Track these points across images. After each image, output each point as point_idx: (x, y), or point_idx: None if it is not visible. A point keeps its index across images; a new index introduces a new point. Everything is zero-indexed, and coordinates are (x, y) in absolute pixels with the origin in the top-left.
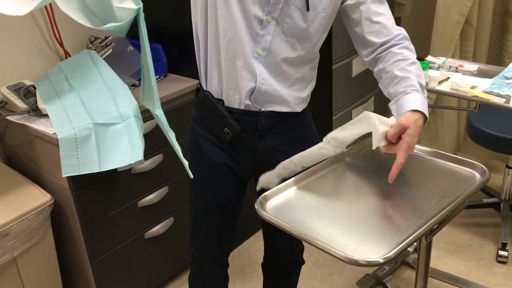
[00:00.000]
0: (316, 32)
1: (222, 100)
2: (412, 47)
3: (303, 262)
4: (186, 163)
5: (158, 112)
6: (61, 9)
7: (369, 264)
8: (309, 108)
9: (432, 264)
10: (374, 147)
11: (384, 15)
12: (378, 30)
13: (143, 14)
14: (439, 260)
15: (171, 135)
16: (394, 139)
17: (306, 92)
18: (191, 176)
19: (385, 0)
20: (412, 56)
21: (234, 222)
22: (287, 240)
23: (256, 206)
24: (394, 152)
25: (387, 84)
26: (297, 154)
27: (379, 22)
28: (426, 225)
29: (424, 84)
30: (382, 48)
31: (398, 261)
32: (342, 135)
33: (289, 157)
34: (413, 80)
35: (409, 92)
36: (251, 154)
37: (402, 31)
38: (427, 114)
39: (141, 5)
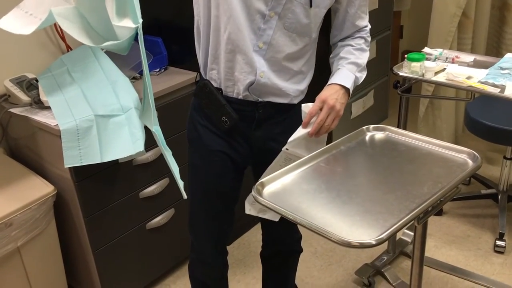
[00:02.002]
0: (315, 27)
1: (221, 89)
2: (369, 38)
3: (301, 251)
4: (181, 183)
5: (155, 129)
6: (63, 28)
7: (362, 245)
8: (307, 100)
9: (430, 254)
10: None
11: (365, 17)
12: (355, 30)
13: (141, 32)
14: (437, 250)
15: (167, 154)
16: (315, 111)
17: (304, 85)
18: (185, 196)
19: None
20: (363, 44)
21: (232, 210)
22: (284, 229)
23: (253, 192)
24: (321, 129)
25: (334, 65)
26: (270, 171)
27: (358, 25)
28: (418, 209)
29: (363, 64)
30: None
31: (397, 251)
32: (299, 140)
33: (283, 146)
34: (349, 59)
35: (339, 68)
36: (247, 143)
37: (369, 24)
38: (344, 84)
39: (139, 24)
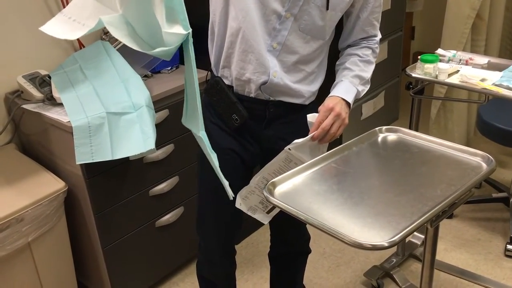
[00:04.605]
0: (330, 29)
1: (232, 87)
2: (377, 50)
3: (309, 251)
4: (226, 183)
5: (202, 134)
6: (113, 35)
7: (374, 247)
8: (318, 101)
9: (440, 257)
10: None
11: (377, 25)
12: (364, 38)
13: (191, 39)
14: (447, 254)
15: (213, 156)
16: (323, 120)
17: (316, 86)
18: (231, 197)
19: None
20: (371, 55)
21: (239, 210)
22: (293, 230)
23: (264, 192)
24: (326, 135)
25: (338, 74)
26: (267, 168)
27: (368, 32)
28: (431, 212)
29: (367, 77)
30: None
31: (406, 254)
32: (302, 143)
33: None
34: (354, 71)
35: (342, 80)
36: (257, 142)
37: (379, 34)
38: (346, 98)
39: (190, 30)
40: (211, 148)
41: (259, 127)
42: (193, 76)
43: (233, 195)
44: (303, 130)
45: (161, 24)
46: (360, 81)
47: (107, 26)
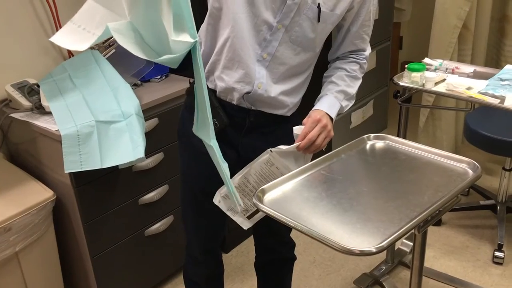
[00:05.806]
0: (320, 42)
1: (215, 91)
2: (365, 65)
3: (294, 258)
4: (237, 194)
5: (213, 143)
6: (119, 42)
7: (362, 253)
8: (299, 113)
9: (429, 265)
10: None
11: (367, 39)
12: (353, 51)
13: (199, 47)
14: (436, 261)
15: (223, 166)
16: (309, 129)
17: (299, 97)
18: (239, 207)
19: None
20: (358, 71)
21: (222, 212)
22: (275, 237)
23: (253, 199)
24: (311, 146)
25: (323, 87)
26: (249, 168)
27: (357, 46)
28: (418, 217)
29: (352, 93)
30: (343, 55)
31: (395, 261)
32: (286, 150)
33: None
34: (339, 86)
35: (327, 94)
36: (235, 149)
37: (368, 49)
38: (330, 113)
39: (197, 38)
40: (222, 158)
41: (238, 135)
42: (202, 84)
43: (241, 205)
44: (283, 141)
45: (168, 32)
46: (345, 97)
47: (113, 34)
